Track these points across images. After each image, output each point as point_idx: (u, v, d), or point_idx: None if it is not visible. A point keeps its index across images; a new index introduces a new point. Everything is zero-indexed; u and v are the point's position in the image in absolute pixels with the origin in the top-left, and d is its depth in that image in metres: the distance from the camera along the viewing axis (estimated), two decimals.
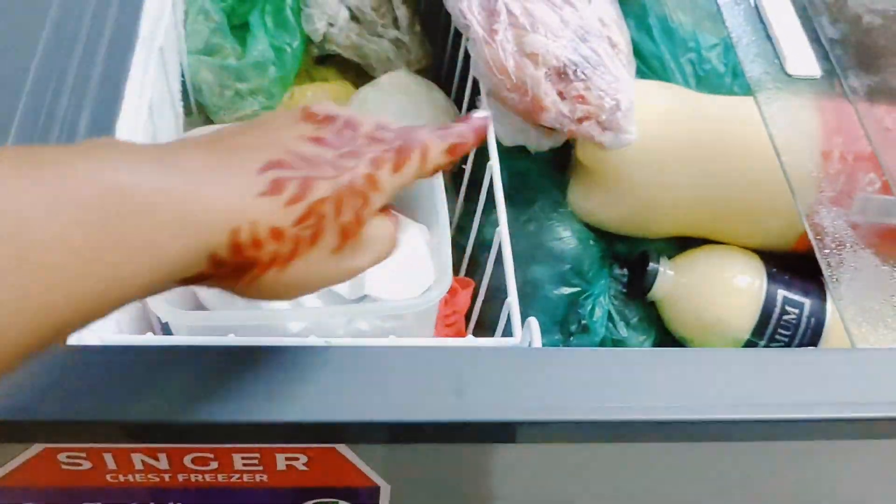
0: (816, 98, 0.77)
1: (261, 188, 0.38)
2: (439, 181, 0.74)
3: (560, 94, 0.77)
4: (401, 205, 0.79)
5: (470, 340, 0.62)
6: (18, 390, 0.47)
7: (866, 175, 0.72)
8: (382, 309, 0.66)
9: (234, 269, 0.38)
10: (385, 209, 0.45)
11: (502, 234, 0.70)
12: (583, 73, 0.76)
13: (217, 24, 0.89)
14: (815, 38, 0.81)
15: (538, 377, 0.52)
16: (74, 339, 0.55)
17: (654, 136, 0.81)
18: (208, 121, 0.92)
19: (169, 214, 0.34)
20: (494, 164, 0.75)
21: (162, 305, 0.62)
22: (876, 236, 0.68)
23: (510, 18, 0.78)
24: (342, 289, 0.67)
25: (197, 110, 0.93)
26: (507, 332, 0.67)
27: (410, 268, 0.69)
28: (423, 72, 0.99)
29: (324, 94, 0.95)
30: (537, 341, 0.59)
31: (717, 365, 0.54)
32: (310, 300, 0.67)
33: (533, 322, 0.60)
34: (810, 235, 0.67)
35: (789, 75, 0.77)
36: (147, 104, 0.72)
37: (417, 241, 0.71)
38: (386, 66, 0.98)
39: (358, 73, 1.01)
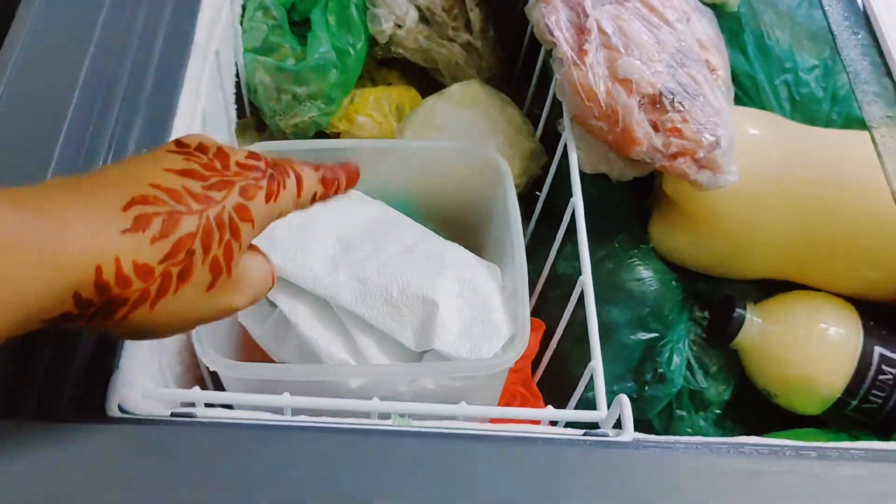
0: None
1: (124, 225, 0.37)
2: (515, 215, 0.67)
3: (653, 124, 0.69)
4: (470, 240, 0.72)
5: (550, 413, 0.56)
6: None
7: None
8: (451, 370, 0.59)
9: (103, 308, 0.37)
10: (254, 247, 0.45)
11: (585, 283, 0.63)
12: (680, 103, 0.69)
13: (276, 21, 0.82)
14: None
15: (638, 482, 0.45)
16: (116, 399, 0.49)
17: (750, 172, 0.74)
18: (262, 124, 0.85)
19: (27, 253, 0.34)
20: (578, 202, 0.68)
21: (211, 354, 0.56)
22: None
23: (602, 38, 0.71)
24: (408, 340, 0.61)
25: (250, 112, 0.86)
26: (586, 394, 0.61)
27: (482, 319, 0.62)
28: (492, 80, 0.91)
29: (387, 99, 0.88)
30: (629, 430, 0.52)
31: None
32: (374, 354, 0.60)
33: (625, 402, 0.53)
34: None
35: None
36: (201, 113, 0.66)
37: (490, 287, 0.64)
38: (454, 72, 0.91)
39: (422, 77, 0.94)
